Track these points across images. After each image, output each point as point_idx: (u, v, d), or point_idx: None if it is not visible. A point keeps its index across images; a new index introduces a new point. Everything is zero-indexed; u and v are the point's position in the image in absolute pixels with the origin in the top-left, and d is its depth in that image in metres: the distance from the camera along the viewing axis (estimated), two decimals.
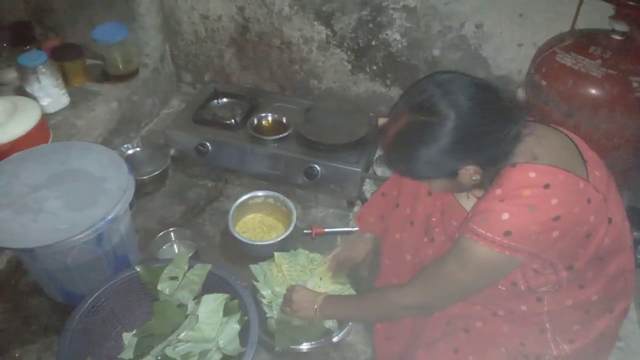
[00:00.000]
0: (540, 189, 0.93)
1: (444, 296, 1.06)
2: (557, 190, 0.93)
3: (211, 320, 1.24)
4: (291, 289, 1.32)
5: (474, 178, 0.98)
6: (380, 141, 1.06)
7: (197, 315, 1.22)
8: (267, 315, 1.40)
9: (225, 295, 1.25)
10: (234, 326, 1.25)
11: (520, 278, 1.03)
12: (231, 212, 1.70)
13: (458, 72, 0.99)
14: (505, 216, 0.93)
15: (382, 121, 1.13)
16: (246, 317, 1.23)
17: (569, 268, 1.00)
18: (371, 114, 1.97)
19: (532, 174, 0.95)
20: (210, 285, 1.32)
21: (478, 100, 0.94)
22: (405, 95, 1.01)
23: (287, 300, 1.31)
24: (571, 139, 1.04)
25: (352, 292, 1.47)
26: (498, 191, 0.96)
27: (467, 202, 1.14)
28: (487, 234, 0.94)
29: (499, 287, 1.05)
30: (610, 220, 0.99)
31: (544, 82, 1.50)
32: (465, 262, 0.99)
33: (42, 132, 1.74)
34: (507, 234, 0.92)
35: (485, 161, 0.97)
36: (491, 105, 0.95)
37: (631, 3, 1.37)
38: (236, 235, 1.64)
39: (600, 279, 1.05)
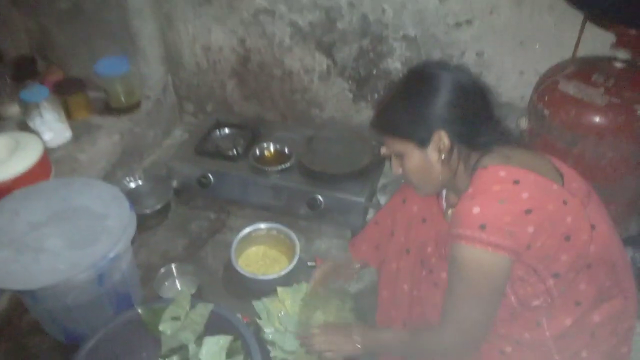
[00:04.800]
0: (509, 184, 0.97)
1: (473, 320, 1.03)
2: (526, 186, 0.97)
3: None
4: (319, 330, 1.30)
5: (442, 153, 1.04)
6: (374, 109, 1.15)
7: (200, 359, 1.20)
8: (271, 355, 1.37)
9: (229, 338, 1.23)
10: None
11: (508, 289, 1.03)
12: (234, 246, 1.68)
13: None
14: (476, 210, 0.96)
15: (384, 150, 1.15)
16: (250, 359, 1.20)
17: (555, 275, 1.00)
18: (373, 143, 1.96)
19: (502, 173, 0.99)
20: (213, 325, 1.29)
21: (471, 85, 1.05)
22: (408, 69, 1.13)
23: (324, 342, 1.28)
24: (546, 158, 1.09)
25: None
26: (470, 190, 1.00)
27: None
28: (465, 231, 0.96)
29: None
30: (593, 227, 1.00)
31: (546, 111, 1.49)
32: (462, 272, 1.00)
33: (44, 168, 1.73)
34: (482, 227, 0.94)
35: (456, 134, 1.03)
36: (479, 95, 1.06)
37: (632, 32, 1.37)
38: (239, 270, 1.62)
39: (592, 290, 1.04)
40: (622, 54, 1.43)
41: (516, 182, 0.97)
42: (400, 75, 1.95)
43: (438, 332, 1.08)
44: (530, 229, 0.94)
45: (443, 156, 1.05)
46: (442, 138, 1.03)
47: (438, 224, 1.21)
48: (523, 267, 0.99)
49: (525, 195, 0.95)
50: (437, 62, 1.11)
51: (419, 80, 1.06)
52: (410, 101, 1.05)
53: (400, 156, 1.10)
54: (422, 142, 1.05)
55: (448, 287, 1.04)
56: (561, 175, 1.04)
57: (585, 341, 1.08)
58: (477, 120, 1.04)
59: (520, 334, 1.07)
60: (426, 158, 1.06)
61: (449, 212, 1.21)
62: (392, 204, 1.36)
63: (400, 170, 1.13)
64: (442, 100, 1.02)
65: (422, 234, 1.24)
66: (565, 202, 0.98)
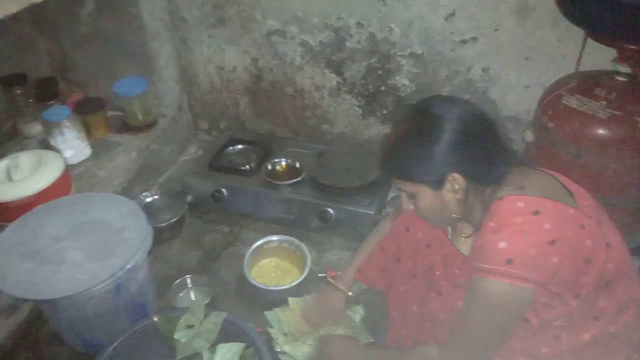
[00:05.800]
0: (530, 216, 0.97)
1: (484, 345, 1.04)
2: (547, 216, 0.97)
3: None
4: (323, 342, 1.32)
5: (457, 194, 1.03)
6: (380, 150, 1.11)
7: None
8: None
9: (241, 345, 1.26)
10: None
11: (531, 313, 1.03)
12: (246, 257, 1.73)
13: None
14: (502, 245, 0.95)
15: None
16: None
17: (576, 296, 1.01)
18: None
19: (520, 204, 0.99)
20: (226, 333, 1.33)
21: (476, 119, 1.04)
22: (410, 106, 1.11)
23: (324, 354, 1.29)
24: (554, 177, 1.09)
25: (369, 337, 1.46)
26: (491, 224, 0.99)
27: (463, 245, 1.17)
28: (491, 266, 0.96)
29: None
30: (608, 245, 1.01)
31: (550, 124, 1.52)
32: (483, 303, 1.00)
33: (64, 184, 1.80)
34: (509, 261, 0.94)
35: (471, 174, 1.02)
36: (488, 129, 1.05)
37: (632, 47, 1.40)
38: (252, 280, 1.66)
39: (611, 306, 1.05)
40: (624, 68, 1.45)
41: (536, 212, 0.97)
42: (408, 91, 2.01)
43: (448, 350, 1.09)
44: (555, 259, 0.94)
45: (459, 196, 1.04)
46: (456, 180, 1.02)
47: (443, 247, 1.21)
48: (548, 294, 0.99)
49: (547, 226, 0.95)
50: (442, 100, 1.08)
51: (425, 122, 1.03)
52: (419, 145, 1.02)
53: (413, 196, 1.09)
54: (436, 185, 1.04)
55: (463, 311, 1.04)
56: (571, 194, 1.04)
57: (600, 351, 1.08)
58: (489, 157, 1.03)
59: (537, 349, 1.08)
60: (441, 198, 1.05)
61: (457, 239, 1.20)
62: (396, 232, 1.35)
63: (411, 207, 1.11)
64: (452, 142, 1.00)
65: (429, 259, 1.24)
66: (582, 227, 0.98)
